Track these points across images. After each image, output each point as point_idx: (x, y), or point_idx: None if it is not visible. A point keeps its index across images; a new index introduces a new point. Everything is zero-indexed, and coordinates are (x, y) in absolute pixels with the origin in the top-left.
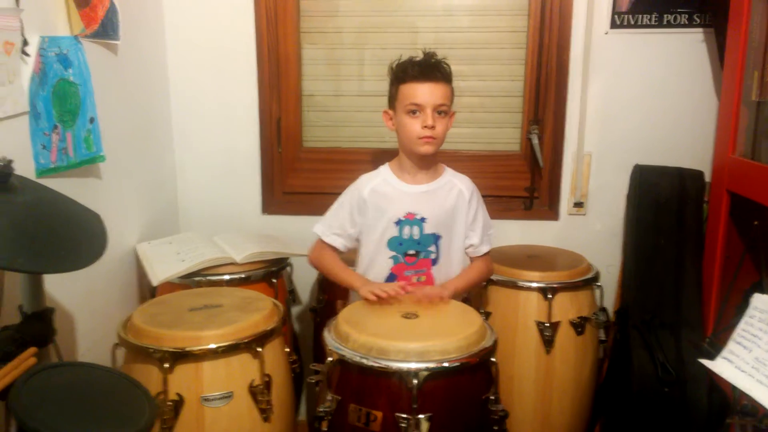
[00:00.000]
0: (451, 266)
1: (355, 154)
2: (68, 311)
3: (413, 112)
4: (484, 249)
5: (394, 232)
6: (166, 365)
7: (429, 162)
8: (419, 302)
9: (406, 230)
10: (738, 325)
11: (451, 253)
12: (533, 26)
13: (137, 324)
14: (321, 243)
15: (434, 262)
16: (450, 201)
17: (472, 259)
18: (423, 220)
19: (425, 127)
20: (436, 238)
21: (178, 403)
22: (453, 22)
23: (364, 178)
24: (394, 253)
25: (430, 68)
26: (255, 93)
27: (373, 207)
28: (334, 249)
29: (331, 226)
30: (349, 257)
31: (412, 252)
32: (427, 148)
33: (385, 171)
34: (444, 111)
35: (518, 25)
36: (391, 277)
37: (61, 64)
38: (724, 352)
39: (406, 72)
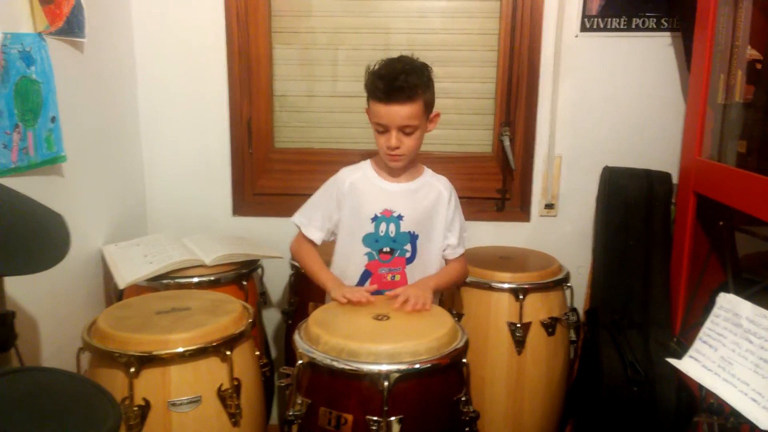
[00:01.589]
0: (427, 266)
1: (327, 155)
2: (31, 315)
3: (379, 130)
4: (461, 251)
5: (369, 228)
6: (132, 370)
7: (406, 165)
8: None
9: (382, 227)
10: (704, 324)
11: (428, 253)
12: (504, 29)
13: (102, 328)
14: (302, 235)
15: (409, 260)
16: (429, 201)
17: (447, 261)
18: (400, 217)
19: (389, 146)
20: (412, 237)
21: (145, 408)
22: (426, 24)
23: (345, 171)
24: (369, 250)
25: (394, 90)
26: (225, 92)
27: (351, 201)
28: (312, 242)
29: (311, 219)
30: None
31: (387, 249)
32: (394, 164)
33: (366, 166)
34: (410, 131)
35: (490, 28)
36: (365, 274)
37: (23, 61)
38: (691, 351)
39: (374, 88)
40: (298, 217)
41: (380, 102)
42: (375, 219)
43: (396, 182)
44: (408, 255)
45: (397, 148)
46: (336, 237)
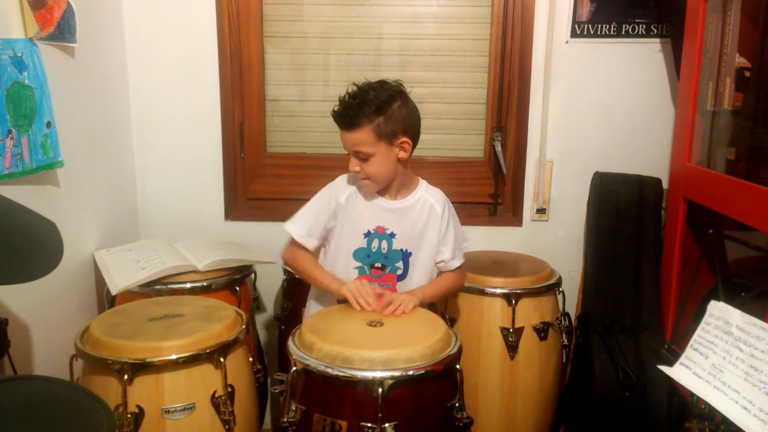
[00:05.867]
0: (420, 282)
1: (320, 159)
2: (23, 322)
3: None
4: (456, 264)
5: (362, 243)
6: (126, 377)
7: (396, 182)
8: (384, 314)
9: (375, 243)
10: (695, 332)
11: (421, 269)
12: (496, 34)
13: (95, 335)
14: (294, 243)
15: (400, 277)
16: (422, 218)
17: (442, 273)
18: (393, 235)
19: (352, 170)
20: (405, 255)
21: (139, 416)
22: (418, 29)
23: (343, 179)
24: (359, 264)
25: (341, 117)
26: (217, 97)
27: (345, 214)
28: (306, 249)
29: (306, 227)
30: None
31: (378, 265)
32: (365, 188)
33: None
34: (364, 157)
35: (481, 33)
36: None
37: (15, 67)
38: (682, 359)
39: (333, 114)
40: (292, 226)
41: (339, 127)
42: (368, 235)
43: (391, 199)
44: (399, 272)
45: (358, 172)
46: (326, 245)
